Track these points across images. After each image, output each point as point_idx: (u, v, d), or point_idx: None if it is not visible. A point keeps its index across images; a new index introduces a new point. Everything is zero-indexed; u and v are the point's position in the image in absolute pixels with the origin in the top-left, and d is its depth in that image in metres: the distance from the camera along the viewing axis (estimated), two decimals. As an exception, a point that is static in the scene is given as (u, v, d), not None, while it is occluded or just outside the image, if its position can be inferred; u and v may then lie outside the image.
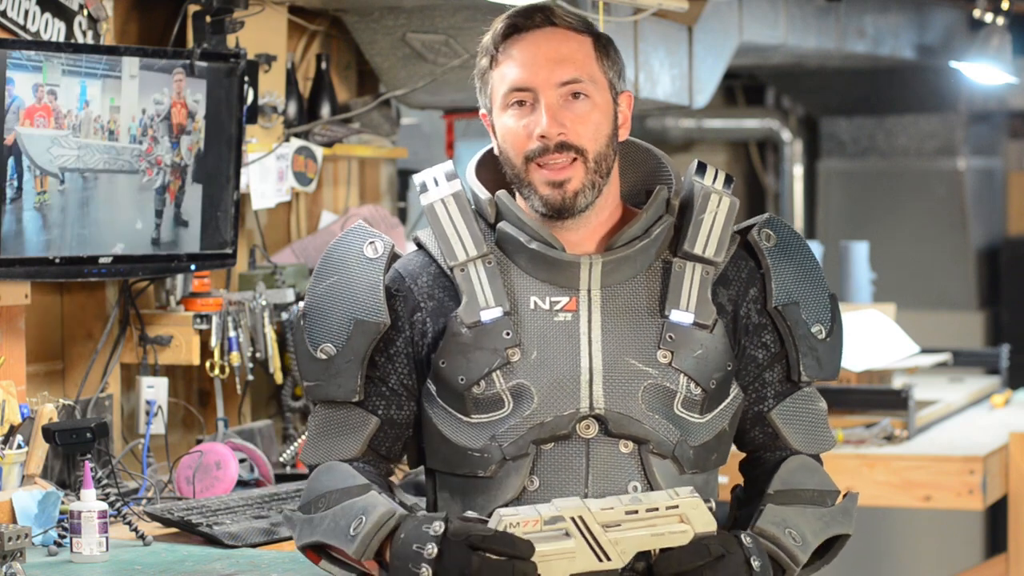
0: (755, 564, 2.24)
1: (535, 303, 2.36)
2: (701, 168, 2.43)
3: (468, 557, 2.16)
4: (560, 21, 2.35)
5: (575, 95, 2.33)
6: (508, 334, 2.34)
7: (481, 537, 2.18)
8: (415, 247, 2.46)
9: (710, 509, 2.24)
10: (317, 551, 2.35)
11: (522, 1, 3.20)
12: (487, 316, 2.36)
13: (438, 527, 2.20)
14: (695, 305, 2.36)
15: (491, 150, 2.45)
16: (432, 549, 2.18)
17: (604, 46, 2.38)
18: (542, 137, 2.31)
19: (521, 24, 2.35)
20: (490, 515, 2.23)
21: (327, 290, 2.43)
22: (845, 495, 2.43)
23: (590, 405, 2.31)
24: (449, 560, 2.18)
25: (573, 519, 2.19)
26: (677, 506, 2.21)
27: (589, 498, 2.26)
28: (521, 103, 2.34)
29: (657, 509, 2.20)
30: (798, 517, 2.34)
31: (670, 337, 2.34)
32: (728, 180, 2.43)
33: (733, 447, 2.48)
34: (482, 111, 2.41)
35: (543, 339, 2.34)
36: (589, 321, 2.34)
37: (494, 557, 2.16)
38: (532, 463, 2.32)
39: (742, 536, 2.27)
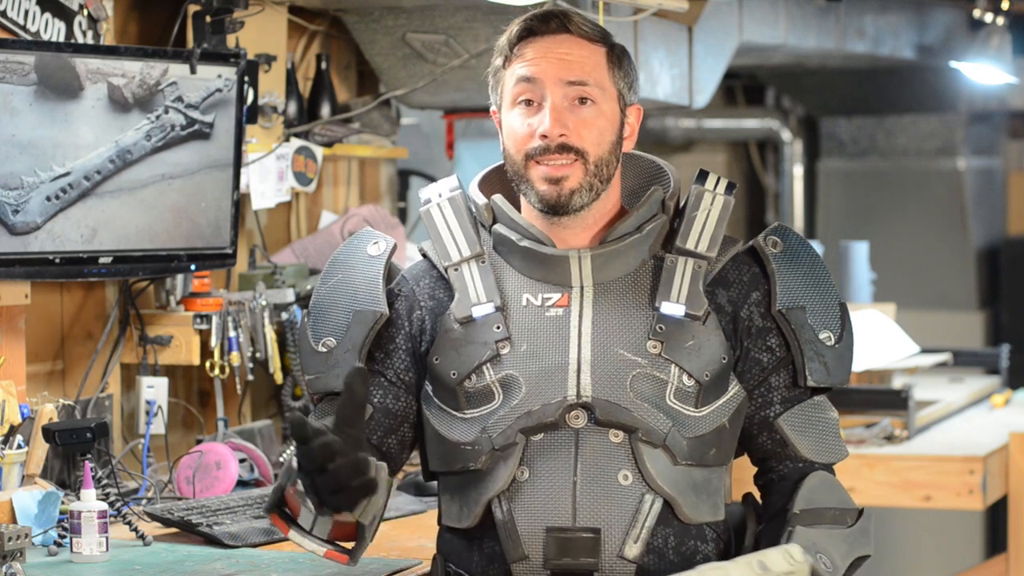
0: None
1: (527, 300, 2.38)
2: (702, 175, 2.46)
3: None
4: (575, 29, 2.38)
5: (582, 100, 2.36)
6: (498, 328, 2.36)
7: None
8: (420, 256, 2.49)
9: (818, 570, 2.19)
10: (285, 520, 2.29)
11: (521, 2, 3.21)
12: (478, 312, 2.38)
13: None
14: (686, 297, 2.37)
15: (499, 166, 2.48)
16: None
17: (618, 57, 2.41)
18: (544, 136, 2.34)
19: (536, 28, 2.39)
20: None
21: (330, 289, 2.46)
22: (860, 513, 2.42)
23: (577, 393, 2.32)
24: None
25: None
26: None
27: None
28: (529, 103, 2.36)
29: None
30: (826, 541, 2.33)
31: (660, 328, 2.35)
32: (730, 187, 2.46)
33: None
34: (492, 108, 2.44)
35: (533, 333, 2.36)
36: (580, 316, 2.36)
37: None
38: (522, 453, 2.33)
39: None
